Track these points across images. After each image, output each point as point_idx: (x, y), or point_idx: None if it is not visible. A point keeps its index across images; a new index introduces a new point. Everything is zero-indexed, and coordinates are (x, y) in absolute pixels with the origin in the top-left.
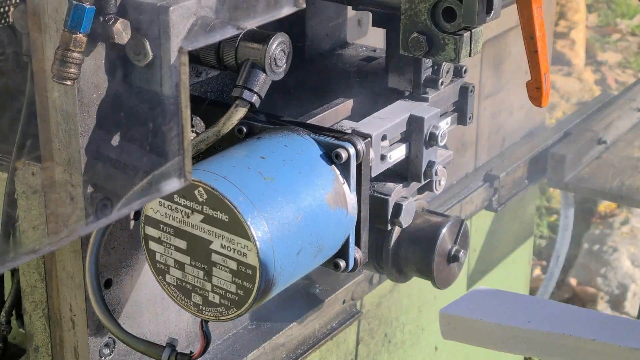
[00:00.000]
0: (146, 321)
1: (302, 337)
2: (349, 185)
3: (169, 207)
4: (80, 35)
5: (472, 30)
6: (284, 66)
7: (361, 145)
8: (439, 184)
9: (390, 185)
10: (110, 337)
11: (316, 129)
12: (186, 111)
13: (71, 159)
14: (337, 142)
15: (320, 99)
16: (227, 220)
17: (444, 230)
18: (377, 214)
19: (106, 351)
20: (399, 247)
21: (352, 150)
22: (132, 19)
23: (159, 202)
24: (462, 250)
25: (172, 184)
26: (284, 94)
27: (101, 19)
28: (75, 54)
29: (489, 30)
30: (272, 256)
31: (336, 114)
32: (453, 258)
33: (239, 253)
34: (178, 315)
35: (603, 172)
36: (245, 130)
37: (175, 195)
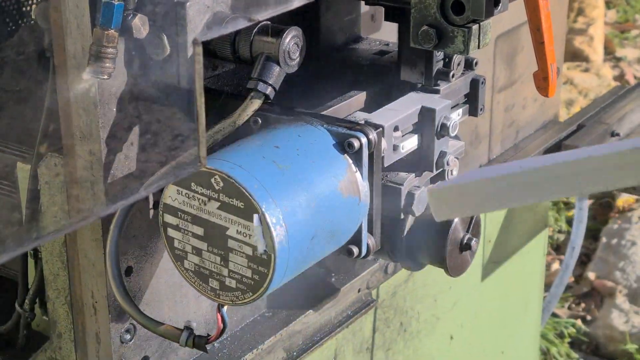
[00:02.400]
0: (165, 308)
1: (318, 325)
2: (361, 174)
3: (187, 195)
4: (112, 31)
5: (481, 23)
6: (298, 59)
7: (373, 134)
8: (451, 174)
9: (403, 174)
10: (130, 323)
11: (329, 120)
12: (200, 99)
13: (92, 149)
14: (349, 132)
15: (335, 92)
16: (242, 207)
17: (457, 218)
18: (390, 203)
19: (127, 337)
20: (413, 236)
21: (364, 140)
22: (150, 13)
23: (177, 190)
24: (474, 239)
25: (188, 169)
26: (299, 87)
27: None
28: (109, 49)
29: (502, 25)
30: (286, 242)
31: (349, 106)
32: (465, 246)
33: (255, 239)
34: (197, 303)
35: None
36: (260, 121)
37: (193, 184)
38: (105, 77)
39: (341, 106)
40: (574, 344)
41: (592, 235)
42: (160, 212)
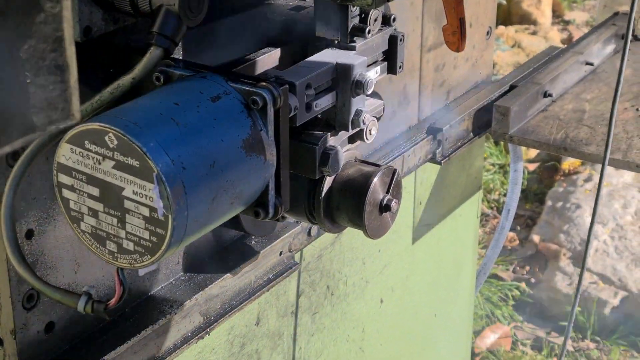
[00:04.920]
0: (70, 272)
1: (237, 288)
2: (267, 132)
3: (80, 153)
4: None
5: None
6: (200, 13)
7: (277, 91)
8: (370, 134)
9: (317, 134)
10: (32, 288)
11: (233, 76)
12: (71, 48)
13: None
14: (253, 89)
15: (248, 48)
16: (138, 166)
17: (375, 179)
18: (305, 163)
19: (30, 303)
20: (331, 197)
21: (268, 97)
22: None
23: (71, 148)
24: (395, 200)
25: (58, 124)
26: (210, 43)
27: None
28: None
29: None
30: (184, 202)
31: (262, 63)
32: (385, 208)
33: (151, 199)
34: (104, 266)
35: (548, 124)
36: (162, 77)
37: (86, 142)
38: None
39: (253, 63)
40: (518, 307)
41: (538, 198)
42: (55, 171)
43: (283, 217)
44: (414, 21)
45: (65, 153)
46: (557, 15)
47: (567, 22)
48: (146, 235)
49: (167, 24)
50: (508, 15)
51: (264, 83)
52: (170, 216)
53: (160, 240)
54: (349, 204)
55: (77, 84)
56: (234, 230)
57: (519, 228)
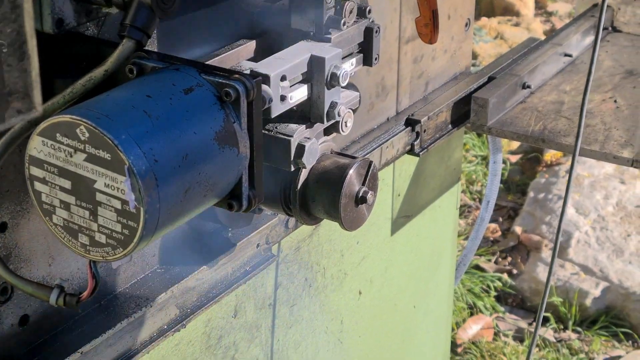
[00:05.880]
0: (44, 265)
1: (213, 281)
2: (240, 124)
3: (52, 146)
4: None
5: None
6: (173, 4)
7: (251, 83)
8: (346, 125)
9: (292, 126)
10: (4, 281)
11: (206, 68)
12: (32, 41)
13: None
14: (226, 81)
15: (224, 40)
16: (109, 158)
17: (351, 171)
18: (280, 155)
19: (3, 296)
20: (306, 189)
21: (241, 89)
22: None
23: (42, 141)
24: (371, 192)
25: (22, 116)
26: (186, 35)
27: None
28: None
29: None
30: (156, 195)
31: (238, 55)
32: (361, 200)
33: (123, 192)
34: (77, 259)
35: (526, 116)
36: (135, 70)
37: (58, 134)
38: None
39: (229, 55)
40: (500, 298)
41: (520, 189)
42: (27, 164)
43: (260, 209)
44: (392, 13)
45: (36, 146)
46: (540, 6)
47: (550, 14)
48: (118, 228)
49: (140, 16)
50: (491, 7)
51: (237, 75)
52: (142, 209)
53: (133, 232)
54: (325, 195)
55: (38, 76)
56: (210, 222)
57: (501, 219)
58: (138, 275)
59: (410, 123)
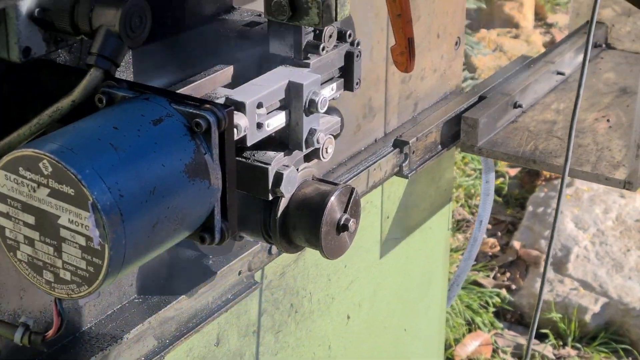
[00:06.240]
0: (16, 298)
1: (193, 310)
2: (211, 155)
3: (15, 180)
4: None
5: None
6: (143, 32)
7: (222, 113)
8: (326, 152)
9: (270, 154)
10: None
11: (177, 97)
12: None
13: None
14: (196, 111)
15: (200, 66)
16: (73, 194)
17: (332, 198)
18: (258, 184)
19: None
20: (287, 217)
21: (212, 119)
22: None
23: (5, 175)
24: (353, 220)
25: None
26: (160, 62)
27: None
28: None
29: None
30: (121, 231)
31: (214, 81)
32: (343, 227)
33: (87, 228)
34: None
35: (517, 136)
36: (105, 99)
37: (20, 168)
38: None
39: (204, 82)
40: (499, 314)
41: (519, 203)
42: None
43: (240, 237)
44: (378, 33)
45: None
46: (539, 18)
47: (550, 25)
48: (83, 264)
49: (107, 44)
50: (490, 19)
51: (208, 105)
52: (107, 245)
53: (97, 270)
54: (305, 223)
55: None
56: (190, 250)
57: (499, 234)
58: (114, 305)
59: (399, 144)
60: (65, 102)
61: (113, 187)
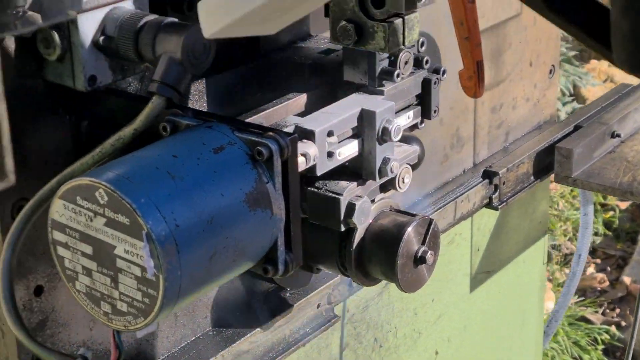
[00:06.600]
0: (85, 329)
1: (269, 344)
2: (274, 185)
3: (73, 210)
4: None
5: (405, 17)
6: (206, 60)
7: (285, 141)
8: (403, 182)
9: (343, 183)
10: None
11: (240, 125)
12: (1, 105)
13: None
14: (259, 139)
15: (274, 94)
16: (128, 223)
17: (409, 229)
18: (330, 215)
19: None
20: (363, 248)
21: (274, 147)
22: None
23: (64, 205)
24: (431, 252)
25: None
26: (235, 90)
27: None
28: None
29: (485, 20)
30: (177, 261)
31: (287, 109)
32: (420, 260)
33: (142, 258)
34: None
35: (615, 166)
36: (169, 128)
37: (78, 197)
38: None
39: (277, 109)
40: (608, 351)
41: (630, 237)
42: (49, 228)
43: (318, 269)
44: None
45: (58, 209)
46: None
47: None
48: (139, 296)
49: (170, 72)
50: None
51: (270, 133)
52: (161, 276)
53: (153, 301)
54: (381, 255)
55: (9, 143)
56: (267, 283)
57: (609, 269)
58: (188, 337)
59: (488, 175)
60: (127, 131)
61: (169, 216)
